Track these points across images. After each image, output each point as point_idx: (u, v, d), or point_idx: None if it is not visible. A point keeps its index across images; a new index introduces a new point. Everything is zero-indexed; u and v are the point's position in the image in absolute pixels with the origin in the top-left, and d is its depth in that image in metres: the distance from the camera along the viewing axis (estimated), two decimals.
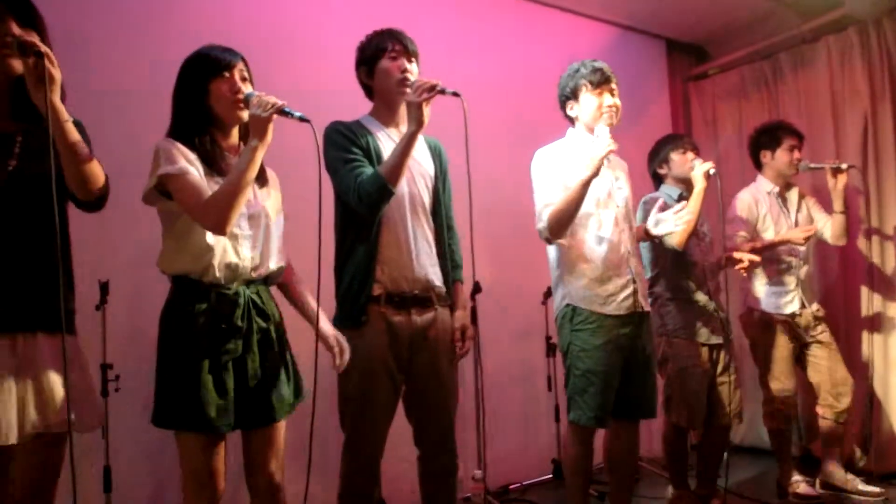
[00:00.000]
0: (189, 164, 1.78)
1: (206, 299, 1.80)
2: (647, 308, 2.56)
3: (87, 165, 1.56)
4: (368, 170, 2.07)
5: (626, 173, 2.69)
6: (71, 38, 2.62)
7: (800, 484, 3.33)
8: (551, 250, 2.57)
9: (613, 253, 2.47)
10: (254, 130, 1.75)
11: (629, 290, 2.48)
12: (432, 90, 1.98)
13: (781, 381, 3.30)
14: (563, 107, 2.61)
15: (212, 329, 1.79)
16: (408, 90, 2.05)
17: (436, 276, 2.21)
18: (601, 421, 2.44)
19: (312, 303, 2.03)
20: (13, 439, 1.49)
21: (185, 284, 1.83)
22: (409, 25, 2.29)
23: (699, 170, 2.85)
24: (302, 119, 1.75)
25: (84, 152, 1.55)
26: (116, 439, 2.52)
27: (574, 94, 2.55)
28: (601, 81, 2.50)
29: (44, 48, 1.46)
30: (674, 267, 3.01)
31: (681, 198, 3.05)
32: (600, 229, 2.48)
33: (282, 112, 1.74)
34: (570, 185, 2.38)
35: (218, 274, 1.81)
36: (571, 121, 2.61)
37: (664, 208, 2.77)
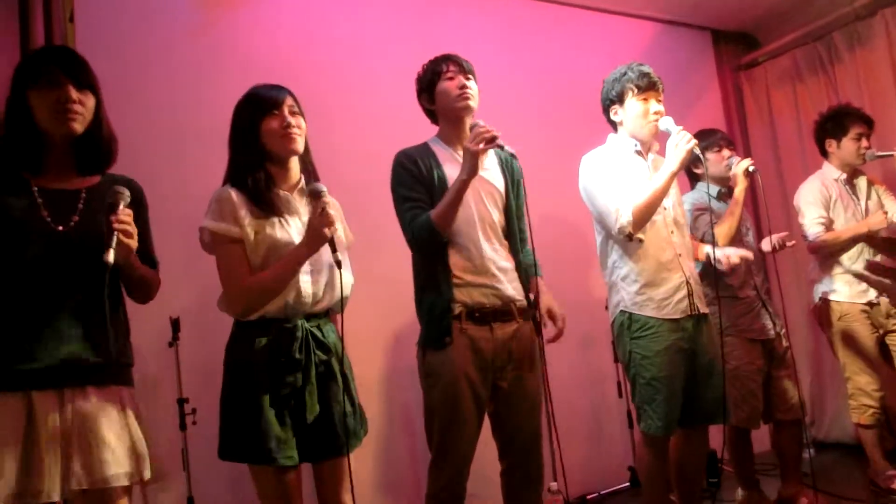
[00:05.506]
0: (235, 221, 1.82)
1: (265, 333, 1.84)
2: (705, 310, 2.49)
3: (146, 288, 1.78)
4: (423, 213, 2.12)
5: None
6: (162, 83, 2.76)
7: (894, 479, 3.17)
8: (602, 256, 2.54)
9: (664, 255, 2.43)
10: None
11: (683, 293, 2.42)
12: (491, 142, 2.03)
13: (869, 373, 3.16)
14: (606, 111, 2.58)
15: (271, 362, 1.82)
16: (468, 128, 2.14)
17: (515, 291, 2.22)
18: (669, 428, 2.40)
19: None
20: (55, 497, 1.48)
21: (246, 321, 1.87)
22: (451, 36, 2.31)
23: (739, 168, 2.76)
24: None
25: (144, 281, 1.75)
26: (198, 471, 2.59)
27: (619, 99, 2.51)
28: (648, 86, 2.46)
29: (119, 230, 1.55)
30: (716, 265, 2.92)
31: (720, 195, 2.98)
32: (650, 232, 2.43)
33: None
34: (653, 179, 2.38)
35: (278, 311, 1.85)
36: (614, 126, 2.58)
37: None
